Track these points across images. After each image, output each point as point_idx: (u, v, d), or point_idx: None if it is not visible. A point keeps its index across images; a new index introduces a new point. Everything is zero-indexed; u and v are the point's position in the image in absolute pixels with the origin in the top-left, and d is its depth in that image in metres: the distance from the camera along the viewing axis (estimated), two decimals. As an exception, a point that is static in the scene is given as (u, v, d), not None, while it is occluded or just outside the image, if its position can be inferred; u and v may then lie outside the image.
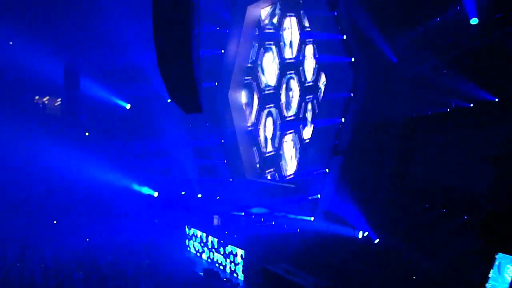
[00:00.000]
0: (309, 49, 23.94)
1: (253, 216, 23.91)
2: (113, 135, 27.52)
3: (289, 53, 25.31)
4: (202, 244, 23.33)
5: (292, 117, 25.14)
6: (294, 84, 24.96)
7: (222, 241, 22.06)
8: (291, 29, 25.13)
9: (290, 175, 24.89)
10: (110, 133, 27.60)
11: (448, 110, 16.23)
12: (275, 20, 25.97)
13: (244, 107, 27.40)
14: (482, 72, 14.83)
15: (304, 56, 24.22)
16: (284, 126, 25.66)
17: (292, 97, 25.18)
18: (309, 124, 23.84)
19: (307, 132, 23.92)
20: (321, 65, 22.92)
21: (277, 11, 25.85)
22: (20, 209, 25.07)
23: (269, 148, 26.58)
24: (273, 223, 23.10)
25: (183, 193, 27.42)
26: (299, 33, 24.47)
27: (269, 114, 26.67)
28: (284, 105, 25.59)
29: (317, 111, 22.82)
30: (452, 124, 16.33)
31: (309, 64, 23.95)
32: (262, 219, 23.53)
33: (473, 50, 15.11)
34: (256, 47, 26.64)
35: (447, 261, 15.41)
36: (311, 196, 20.92)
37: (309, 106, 23.95)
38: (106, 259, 20.69)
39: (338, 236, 18.99)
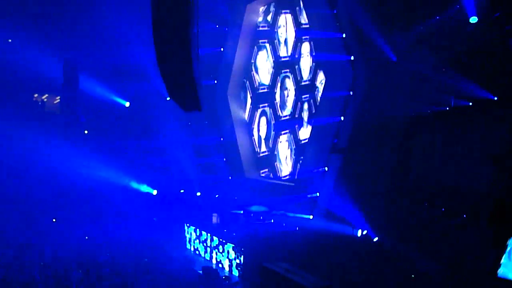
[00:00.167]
0: (306, 47, 23.68)
1: (252, 214, 23.90)
2: (112, 133, 27.50)
3: (284, 51, 25.14)
4: (205, 244, 23.32)
5: (287, 117, 25.01)
6: (289, 83, 24.79)
7: (222, 240, 22.06)
8: (286, 27, 24.94)
9: (285, 176, 24.82)
10: (109, 131, 27.58)
11: (448, 108, 16.23)
12: (269, 18, 25.83)
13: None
14: (481, 71, 14.83)
15: (300, 54, 23.99)
16: (278, 126, 25.50)
17: (288, 96, 25.02)
18: (305, 124, 23.68)
19: (304, 133, 23.75)
20: (318, 64, 22.76)
21: (272, 9, 25.68)
22: (18, 207, 25.05)
23: (263, 148, 26.53)
24: (272, 221, 23.10)
25: (182, 191, 27.41)
26: (295, 31, 24.23)
27: (263, 113, 26.59)
28: (278, 105, 25.46)
29: (316, 110, 22.70)
30: (451, 122, 16.34)
31: (306, 62, 23.72)
32: (261, 217, 23.53)
33: (472, 48, 15.10)
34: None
35: (448, 258, 15.42)
36: (310, 194, 20.92)
37: (306, 106, 23.74)
38: (105, 257, 20.68)
39: (337, 234, 19.00)
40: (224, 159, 27.22)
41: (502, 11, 14.29)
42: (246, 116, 27.03)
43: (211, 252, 22.39)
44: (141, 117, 27.72)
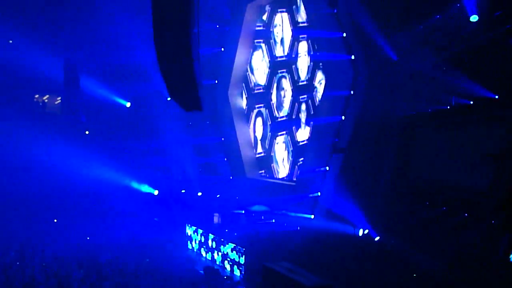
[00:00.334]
0: (303, 46, 23.50)
1: (253, 214, 23.90)
2: (113, 133, 27.52)
3: (280, 51, 25.00)
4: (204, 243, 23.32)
5: (284, 118, 24.91)
6: (286, 83, 24.65)
7: (222, 239, 22.07)
8: (282, 26, 24.78)
9: (283, 178, 24.77)
10: (110, 131, 27.61)
11: (448, 107, 16.21)
12: (264, 17, 25.74)
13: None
14: (482, 70, 14.81)
15: (297, 54, 23.82)
16: (275, 127, 25.41)
17: (284, 96, 24.87)
18: (303, 125, 23.54)
19: (301, 134, 23.61)
20: (317, 63, 22.61)
21: (267, 8, 25.56)
22: (20, 208, 25.08)
23: (259, 149, 26.48)
24: (274, 221, 23.10)
25: (183, 191, 27.42)
26: (291, 30, 24.08)
27: (259, 114, 26.52)
28: (275, 105, 25.37)
29: (316, 110, 22.61)
30: (452, 121, 16.33)
31: (303, 62, 23.55)
32: (263, 217, 23.53)
33: (473, 47, 15.09)
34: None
35: (449, 257, 15.42)
36: (311, 194, 20.91)
37: (303, 107, 23.55)
38: (106, 257, 20.68)
39: (338, 234, 19.00)
40: (225, 159, 27.21)
41: (502, 10, 14.27)
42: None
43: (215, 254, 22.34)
44: (142, 117, 27.74)
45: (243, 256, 20.21)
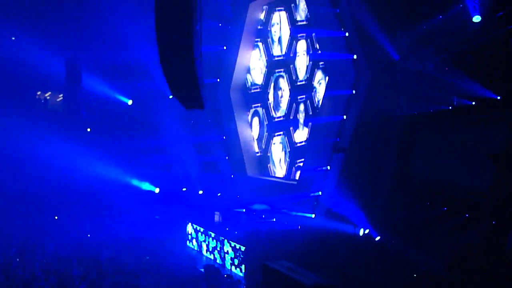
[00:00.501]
0: (302, 45, 23.36)
1: (254, 213, 23.90)
2: (115, 131, 27.53)
3: (278, 50, 24.92)
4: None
5: (281, 118, 24.84)
6: (284, 83, 24.55)
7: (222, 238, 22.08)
8: (280, 25, 24.69)
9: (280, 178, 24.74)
10: (112, 129, 27.61)
11: (450, 107, 16.19)
12: (262, 16, 25.69)
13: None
14: (484, 70, 14.80)
15: (295, 53, 23.71)
16: (272, 127, 25.36)
17: (282, 96, 24.78)
18: (301, 126, 23.46)
19: (299, 135, 23.52)
20: (315, 62, 22.47)
21: (265, 6, 25.50)
22: (21, 204, 25.10)
23: (256, 149, 26.45)
24: (274, 220, 23.10)
25: (184, 189, 27.43)
26: (290, 29, 23.99)
27: (256, 113, 26.50)
28: (272, 105, 25.32)
29: (316, 109, 22.55)
30: (453, 122, 16.31)
31: (302, 62, 23.43)
32: (263, 216, 23.53)
33: (475, 48, 15.08)
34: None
35: (449, 258, 15.42)
36: (312, 193, 20.91)
37: (301, 107, 23.42)
38: (106, 255, 20.70)
39: (339, 233, 19.00)
40: (226, 157, 27.21)
41: (505, 10, 14.25)
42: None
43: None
44: (144, 115, 27.75)
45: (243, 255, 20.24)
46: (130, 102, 27.71)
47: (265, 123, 25.77)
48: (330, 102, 21.00)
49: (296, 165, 23.64)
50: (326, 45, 21.24)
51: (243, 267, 20.30)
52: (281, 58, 24.58)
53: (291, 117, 23.97)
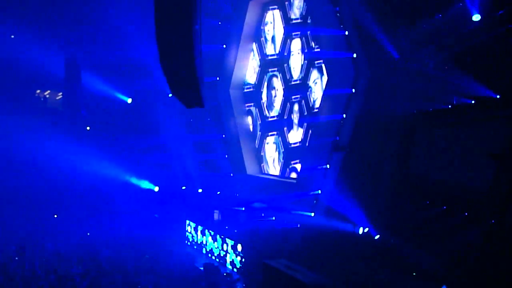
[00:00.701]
0: (296, 44, 23.24)
1: (253, 211, 23.89)
2: (114, 129, 27.54)
3: (271, 49, 24.83)
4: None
5: (274, 118, 24.80)
6: (277, 83, 24.47)
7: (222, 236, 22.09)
8: (274, 23, 24.59)
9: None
10: (111, 127, 27.62)
11: (450, 106, 16.18)
12: (261, 14, 25.62)
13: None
14: (484, 69, 14.78)
15: (289, 52, 23.62)
16: (265, 126, 25.33)
17: (275, 96, 24.71)
18: (295, 127, 23.41)
19: (293, 136, 23.44)
20: (311, 61, 22.35)
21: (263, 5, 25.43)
22: (20, 203, 25.12)
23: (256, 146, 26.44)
24: (274, 218, 23.09)
25: (183, 187, 27.43)
26: (284, 27, 23.92)
27: (249, 113, 26.49)
28: (265, 105, 25.28)
29: (317, 107, 22.49)
30: (453, 120, 16.30)
31: (296, 61, 23.31)
32: (263, 214, 23.52)
33: (475, 46, 15.05)
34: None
35: (449, 257, 15.42)
36: (312, 192, 20.90)
37: (296, 107, 23.33)
38: (106, 253, 20.72)
39: (339, 232, 18.99)
40: (226, 156, 27.20)
41: (505, 9, 14.24)
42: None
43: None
44: (143, 114, 27.74)
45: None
46: (129, 100, 27.70)
47: (258, 122, 25.76)
48: (330, 100, 20.96)
49: (290, 166, 23.62)
50: (325, 44, 21.16)
51: (242, 265, 20.31)
52: (275, 57, 24.51)
53: (285, 117, 23.92)
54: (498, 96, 14.66)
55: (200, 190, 26.95)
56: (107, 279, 17.28)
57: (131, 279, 17.61)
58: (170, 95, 22.07)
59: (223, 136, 27.19)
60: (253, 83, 25.97)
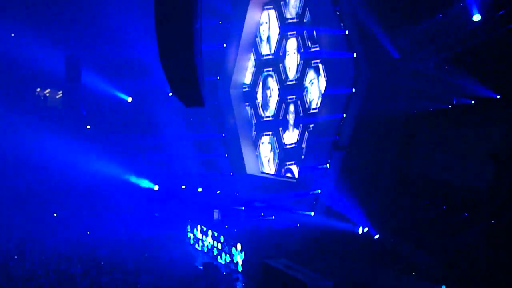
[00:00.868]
0: (292, 44, 23.17)
1: (253, 211, 23.90)
2: (114, 128, 27.55)
3: (266, 49, 24.79)
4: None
5: (270, 118, 24.77)
6: (273, 83, 24.42)
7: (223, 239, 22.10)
8: (269, 23, 24.56)
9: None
10: (111, 126, 27.64)
11: (450, 106, 16.17)
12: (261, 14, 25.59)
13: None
14: (484, 69, 14.77)
15: (285, 52, 23.57)
16: (260, 126, 25.30)
17: (270, 96, 24.68)
18: (291, 128, 23.38)
19: (289, 137, 23.41)
20: (307, 61, 22.27)
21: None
22: (20, 202, 25.11)
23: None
24: (273, 217, 23.10)
25: (183, 187, 27.43)
26: (279, 27, 23.89)
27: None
28: (260, 105, 25.25)
29: (309, 110, 22.39)
30: (453, 121, 16.29)
31: (292, 60, 23.25)
32: (263, 214, 23.53)
33: (475, 46, 15.03)
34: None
35: (449, 256, 15.42)
36: (312, 192, 20.90)
37: (291, 108, 23.27)
38: (105, 252, 20.72)
39: (338, 231, 18.99)
40: (226, 155, 27.20)
41: (505, 9, 14.23)
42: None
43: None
44: (143, 113, 27.77)
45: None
46: (129, 99, 27.70)
47: (253, 122, 25.75)
48: (330, 100, 20.93)
49: (285, 167, 23.61)
50: (324, 43, 21.13)
51: (242, 264, 20.32)
52: (270, 57, 24.47)
53: (280, 117, 23.88)
54: (498, 96, 14.65)
55: (200, 189, 26.94)
56: (107, 278, 17.28)
57: (130, 278, 17.61)
58: (170, 94, 22.06)
59: (223, 135, 27.19)
60: (248, 83, 25.99)
